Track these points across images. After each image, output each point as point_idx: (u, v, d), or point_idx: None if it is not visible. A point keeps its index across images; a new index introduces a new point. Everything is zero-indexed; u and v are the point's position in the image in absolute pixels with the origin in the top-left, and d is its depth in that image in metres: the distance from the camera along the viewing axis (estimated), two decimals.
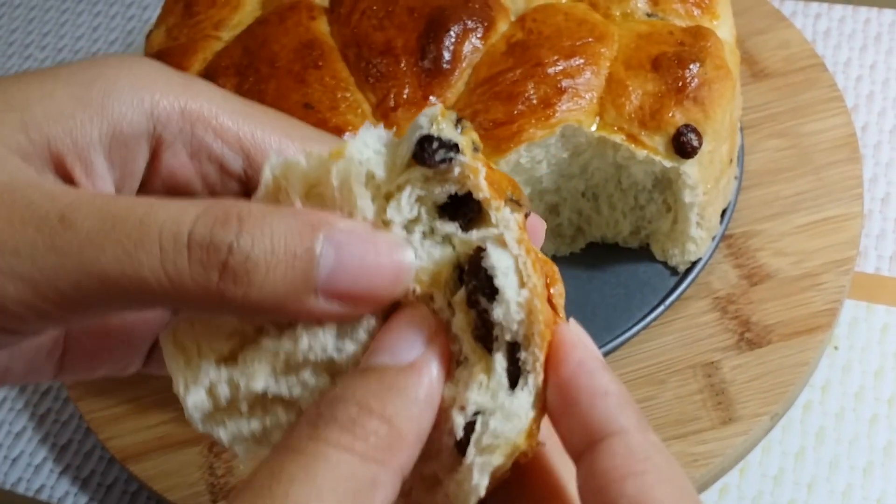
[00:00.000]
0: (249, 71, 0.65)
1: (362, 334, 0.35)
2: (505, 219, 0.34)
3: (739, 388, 0.64)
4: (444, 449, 0.34)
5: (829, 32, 0.86)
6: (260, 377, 0.34)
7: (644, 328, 0.67)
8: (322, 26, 0.67)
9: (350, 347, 0.35)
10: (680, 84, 0.65)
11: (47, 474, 0.69)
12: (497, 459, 0.33)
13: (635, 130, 0.64)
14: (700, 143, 0.64)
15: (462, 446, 0.33)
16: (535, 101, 0.64)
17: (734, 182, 0.72)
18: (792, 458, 0.64)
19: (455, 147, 0.34)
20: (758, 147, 0.75)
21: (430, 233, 0.35)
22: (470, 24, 0.66)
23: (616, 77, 0.65)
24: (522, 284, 0.33)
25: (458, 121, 0.35)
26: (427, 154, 0.34)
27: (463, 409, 0.33)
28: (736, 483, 0.64)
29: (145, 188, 0.38)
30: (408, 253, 0.34)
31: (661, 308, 0.67)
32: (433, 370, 0.33)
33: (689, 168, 0.65)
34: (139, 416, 0.67)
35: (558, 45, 0.66)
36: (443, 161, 0.34)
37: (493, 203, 0.34)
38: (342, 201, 0.34)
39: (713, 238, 0.70)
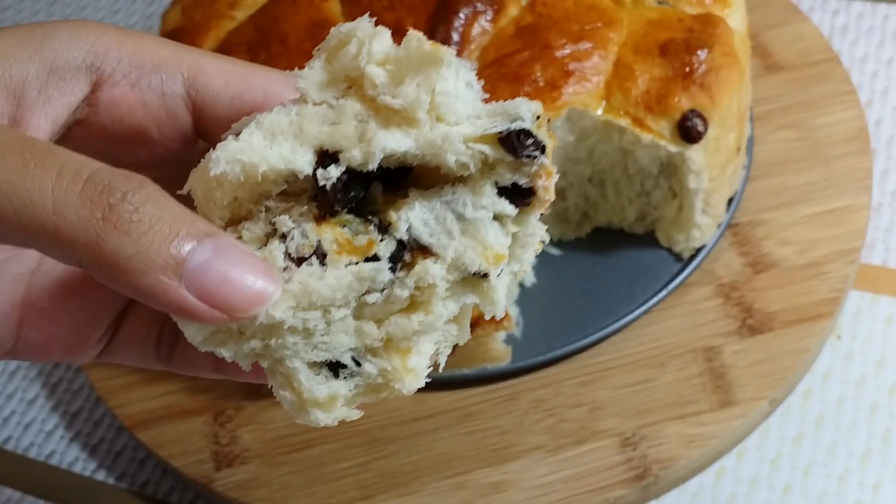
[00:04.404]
0: (261, 49, 0.66)
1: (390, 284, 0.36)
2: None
3: (739, 372, 0.65)
4: None
5: (846, 28, 0.86)
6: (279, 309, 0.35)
7: (646, 312, 0.68)
8: (334, 6, 0.68)
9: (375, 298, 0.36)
10: (687, 69, 0.65)
11: (58, 440, 0.70)
12: None
13: (641, 115, 0.65)
14: (705, 129, 0.65)
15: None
16: (541, 84, 0.65)
17: (742, 171, 0.73)
18: (790, 443, 0.64)
19: (543, 148, 0.36)
20: (767, 138, 0.76)
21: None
22: (480, 6, 0.67)
23: (624, 62, 0.66)
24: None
25: (547, 121, 0.37)
26: (520, 147, 0.36)
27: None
28: (733, 465, 0.64)
29: (90, 121, 0.39)
30: (275, 289, 0.34)
31: (664, 293, 0.68)
32: None
33: (695, 153, 0.65)
34: (147, 385, 0.69)
35: (567, 29, 0.66)
36: (529, 156, 0.36)
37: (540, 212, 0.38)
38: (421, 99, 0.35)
39: (719, 226, 0.70)
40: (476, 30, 0.67)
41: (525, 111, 0.36)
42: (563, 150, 0.68)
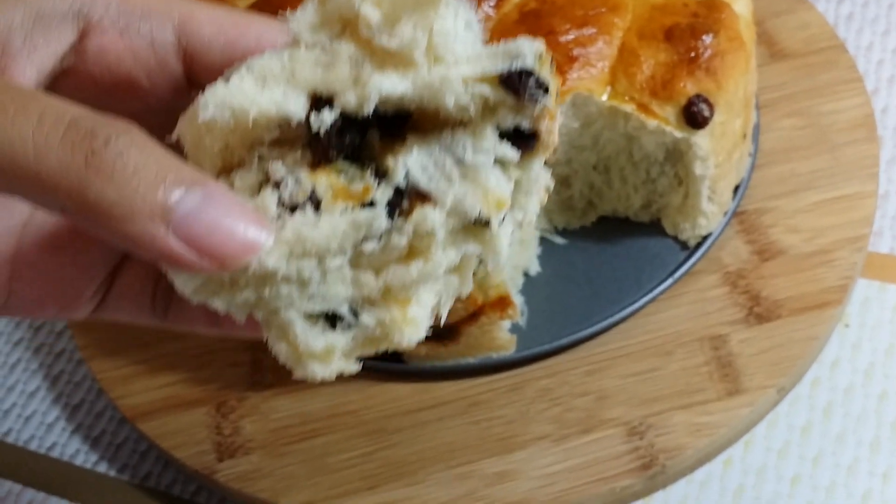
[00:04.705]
0: None
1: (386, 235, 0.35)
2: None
3: (746, 360, 0.64)
4: None
5: (851, 16, 0.85)
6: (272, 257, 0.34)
7: (652, 301, 0.67)
8: None
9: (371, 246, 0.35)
10: (692, 54, 0.65)
11: (59, 433, 0.70)
12: None
13: (646, 100, 0.64)
14: (711, 114, 0.64)
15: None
16: None
17: (748, 159, 0.72)
18: (798, 432, 0.64)
19: (546, 89, 0.34)
20: (774, 126, 0.75)
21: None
22: None
23: (628, 47, 0.65)
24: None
25: (551, 63, 0.35)
26: (522, 87, 0.34)
27: None
28: (740, 455, 0.63)
29: (78, 70, 0.38)
30: (267, 237, 0.33)
31: (670, 281, 0.67)
32: None
33: (701, 139, 0.64)
34: (149, 376, 0.68)
35: (571, 15, 0.66)
36: (532, 98, 0.34)
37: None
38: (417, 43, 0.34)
39: (725, 213, 0.69)
40: (479, 15, 0.66)
41: (527, 50, 0.34)
42: (568, 137, 0.67)
